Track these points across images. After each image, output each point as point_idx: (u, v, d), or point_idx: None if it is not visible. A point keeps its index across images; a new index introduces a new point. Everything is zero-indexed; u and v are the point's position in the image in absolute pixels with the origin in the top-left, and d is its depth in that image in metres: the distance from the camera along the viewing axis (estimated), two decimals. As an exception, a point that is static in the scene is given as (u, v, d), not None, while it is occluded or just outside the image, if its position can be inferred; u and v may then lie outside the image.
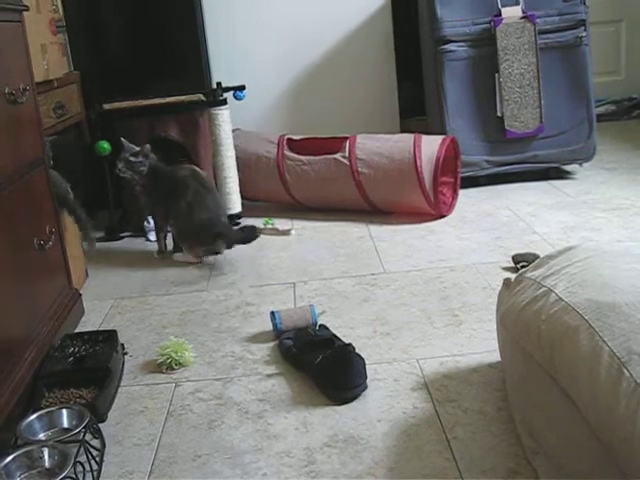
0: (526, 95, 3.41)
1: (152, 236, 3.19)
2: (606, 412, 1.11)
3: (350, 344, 1.84)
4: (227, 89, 3.37)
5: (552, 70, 3.43)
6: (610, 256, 1.47)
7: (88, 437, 1.61)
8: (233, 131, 3.34)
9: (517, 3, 3.37)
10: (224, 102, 3.25)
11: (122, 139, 2.90)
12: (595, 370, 1.16)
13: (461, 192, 3.29)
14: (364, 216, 3.20)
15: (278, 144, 3.37)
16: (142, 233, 3.25)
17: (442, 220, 3.09)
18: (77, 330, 2.29)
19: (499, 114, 3.44)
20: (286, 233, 3.10)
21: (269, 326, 2.15)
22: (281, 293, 2.47)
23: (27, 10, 2.26)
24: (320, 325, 2.13)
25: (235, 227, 2.98)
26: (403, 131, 3.83)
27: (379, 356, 1.96)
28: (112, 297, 2.58)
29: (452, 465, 1.47)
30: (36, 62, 2.44)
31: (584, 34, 3.42)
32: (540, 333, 1.35)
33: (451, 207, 3.19)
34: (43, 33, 2.78)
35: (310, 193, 3.32)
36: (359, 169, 3.13)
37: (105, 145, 3.15)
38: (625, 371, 1.12)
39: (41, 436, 1.66)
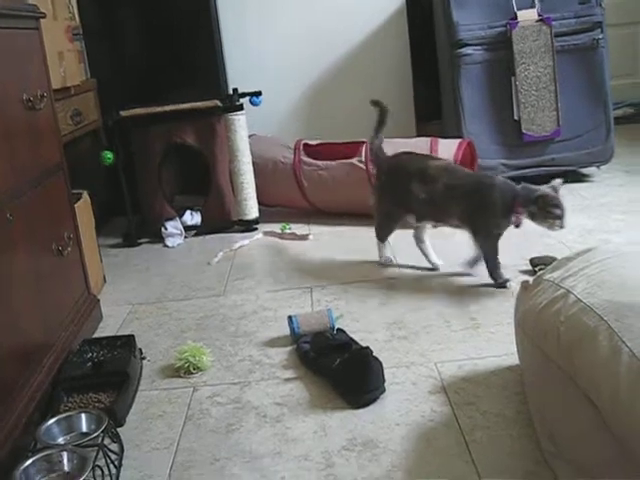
0: (543, 98, 3.40)
1: (170, 242, 3.21)
2: (626, 413, 1.10)
3: (368, 348, 1.84)
4: (243, 95, 3.39)
5: (569, 73, 3.41)
6: (628, 257, 1.46)
7: (107, 441, 1.62)
8: (249, 137, 3.35)
9: (533, 6, 3.35)
10: (240, 108, 3.27)
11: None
12: (615, 371, 1.15)
13: (478, 196, 3.27)
14: (381, 220, 3.19)
15: (295, 149, 3.38)
16: (159, 239, 3.26)
17: (459, 224, 3.08)
18: (95, 335, 2.31)
19: (516, 117, 3.43)
20: (304, 238, 3.10)
21: (286, 330, 2.15)
22: (298, 297, 2.47)
23: (44, 17, 2.28)
24: (337, 329, 2.12)
25: None
26: (419, 135, 3.82)
27: (397, 360, 1.95)
28: (130, 302, 2.59)
29: (471, 468, 1.46)
30: (53, 69, 2.45)
31: (601, 36, 3.40)
32: (559, 335, 1.34)
33: (468, 211, 3.17)
34: (60, 40, 2.80)
35: (327, 198, 3.32)
36: (376, 173, 3.12)
37: (109, 155, 3.16)
38: (645, 372, 1.11)
39: (60, 440, 1.67)
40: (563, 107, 3.40)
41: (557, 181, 2.34)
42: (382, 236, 2.70)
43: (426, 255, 2.64)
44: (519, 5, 3.36)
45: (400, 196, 2.55)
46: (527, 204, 2.30)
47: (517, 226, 2.36)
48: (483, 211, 2.39)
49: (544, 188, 2.31)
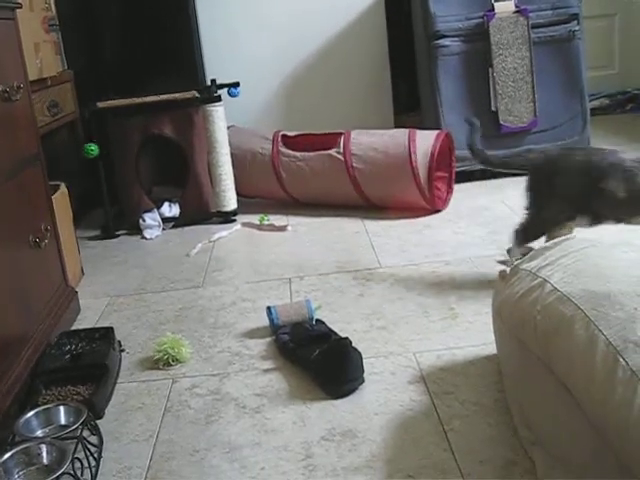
0: (520, 89, 3.41)
1: (148, 234, 3.19)
2: (602, 400, 1.12)
3: (347, 338, 1.84)
4: (221, 86, 3.38)
5: (546, 64, 3.43)
6: (604, 246, 1.48)
7: (86, 433, 1.61)
8: (228, 128, 3.34)
9: (510, -3, 3.37)
10: (218, 99, 3.25)
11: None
12: (591, 359, 1.17)
13: (456, 187, 3.29)
14: (359, 211, 3.20)
15: (273, 140, 3.37)
16: (138, 231, 3.25)
17: (437, 215, 3.09)
18: (73, 327, 2.29)
19: (493, 109, 3.44)
20: (282, 229, 3.10)
21: (265, 321, 2.15)
22: (277, 288, 2.47)
23: (20, 8, 2.25)
24: (316, 320, 2.12)
25: None
26: (397, 126, 3.83)
27: (376, 350, 1.96)
28: (108, 295, 2.57)
29: (450, 457, 1.48)
30: (29, 60, 2.43)
31: (577, 28, 3.42)
32: (536, 324, 1.36)
33: (446, 202, 3.20)
34: (36, 31, 2.78)
35: (305, 189, 3.32)
36: (354, 164, 3.13)
37: (93, 147, 3.13)
38: (621, 359, 1.12)
39: (39, 433, 1.66)
40: (540, 98, 3.42)
41: None
42: (526, 241, 2.32)
43: None
44: (496, -4, 3.37)
45: (580, 197, 2.19)
46: None
47: None
48: None
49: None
